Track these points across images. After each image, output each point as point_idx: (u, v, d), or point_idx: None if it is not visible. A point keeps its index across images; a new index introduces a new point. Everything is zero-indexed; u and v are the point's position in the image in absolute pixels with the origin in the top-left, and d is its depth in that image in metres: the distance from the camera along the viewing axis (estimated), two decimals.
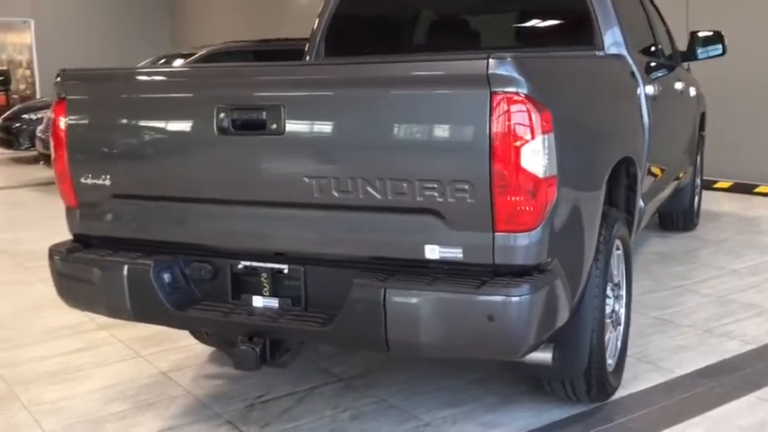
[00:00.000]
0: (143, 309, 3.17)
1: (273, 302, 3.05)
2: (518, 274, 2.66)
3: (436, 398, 3.73)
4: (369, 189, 2.75)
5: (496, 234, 2.62)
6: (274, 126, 2.83)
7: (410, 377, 3.95)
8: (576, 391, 3.41)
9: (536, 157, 2.58)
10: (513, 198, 2.58)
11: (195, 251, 3.17)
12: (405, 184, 2.69)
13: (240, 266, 3.07)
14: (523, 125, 2.55)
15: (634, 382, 3.84)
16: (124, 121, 3.20)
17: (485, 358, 3.13)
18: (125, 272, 3.14)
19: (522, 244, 2.63)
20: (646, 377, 3.92)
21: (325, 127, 2.85)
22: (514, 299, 2.57)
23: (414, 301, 2.66)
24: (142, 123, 3.16)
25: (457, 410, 3.60)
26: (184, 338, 4.49)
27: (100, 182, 3.24)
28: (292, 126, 2.83)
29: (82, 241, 3.38)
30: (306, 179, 2.83)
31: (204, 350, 4.42)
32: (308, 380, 3.97)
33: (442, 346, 2.70)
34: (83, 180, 3.27)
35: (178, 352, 4.44)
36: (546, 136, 2.60)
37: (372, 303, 2.71)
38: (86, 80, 3.32)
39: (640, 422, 3.47)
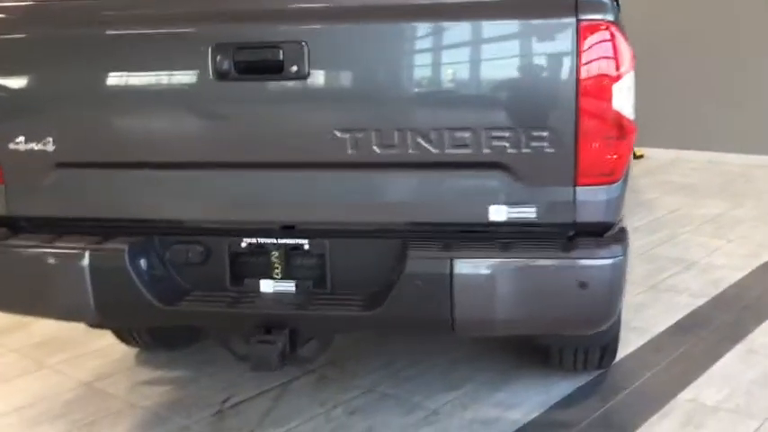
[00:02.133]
0: (115, 307, 2.50)
1: (288, 286, 2.50)
2: (597, 233, 2.32)
3: (427, 382, 3.35)
4: (421, 142, 2.29)
5: (578, 188, 2.27)
6: (295, 68, 2.28)
7: (386, 361, 3.53)
8: (589, 359, 3.16)
9: (626, 96, 2.25)
10: (599, 145, 2.23)
11: (178, 230, 2.54)
12: (468, 135, 2.26)
13: (243, 245, 2.49)
14: (615, 59, 2.21)
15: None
16: (77, 65, 2.49)
17: (562, 333, 2.76)
18: (86, 261, 2.45)
19: (606, 199, 2.30)
20: (627, 339, 3.73)
21: (364, 68, 2.34)
22: (608, 261, 2.23)
23: (489, 271, 2.25)
24: (103, 69, 2.46)
25: (458, 393, 3.24)
26: (93, 341, 3.79)
27: (38, 147, 2.51)
28: (319, 67, 2.29)
29: (8, 225, 2.62)
30: (337, 133, 2.31)
31: (126, 353, 3.73)
32: (272, 374, 3.41)
33: (520, 321, 2.31)
34: (12, 146, 2.52)
35: (93, 357, 3.72)
36: (633, 73, 2.27)
37: (436, 277, 2.27)
38: (12, 12, 2.55)
39: (652, 387, 3.28)
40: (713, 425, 2.94)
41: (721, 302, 4.25)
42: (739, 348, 3.63)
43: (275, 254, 2.50)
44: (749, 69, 7.48)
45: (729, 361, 3.51)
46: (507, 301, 2.27)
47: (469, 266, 2.27)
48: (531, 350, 3.48)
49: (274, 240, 2.49)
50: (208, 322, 2.58)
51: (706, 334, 3.83)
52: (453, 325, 2.31)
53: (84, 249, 2.47)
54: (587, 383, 3.31)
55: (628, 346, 3.67)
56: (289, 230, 2.50)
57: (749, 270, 4.75)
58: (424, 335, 3.29)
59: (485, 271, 2.27)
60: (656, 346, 3.71)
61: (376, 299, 2.37)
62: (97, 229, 2.55)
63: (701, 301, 4.25)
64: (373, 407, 3.15)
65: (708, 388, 3.24)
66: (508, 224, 2.33)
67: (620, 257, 2.25)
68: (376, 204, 2.41)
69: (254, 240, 2.50)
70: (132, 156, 2.48)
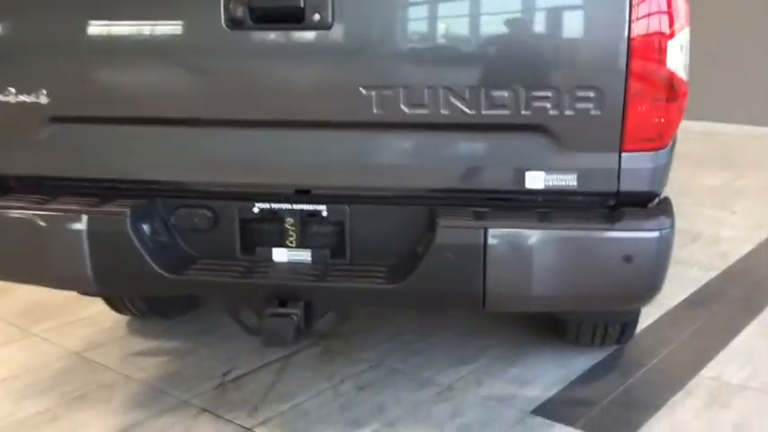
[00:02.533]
0: (115, 275, 2.30)
1: (304, 255, 2.32)
2: (640, 203, 2.15)
3: (437, 355, 3.19)
4: (454, 102, 2.10)
5: (624, 154, 2.09)
6: (317, 17, 2.08)
7: (392, 334, 3.37)
8: (608, 335, 3.02)
9: (680, 55, 2.07)
10: (649, 108, 2.05)
11: (184, 193, 2.34)
12: (506, 95, 2.07)
13: (255, 211, 2.29)
14: (669, 14, 2.03)
15: None
16: (74, 7, 2.26)
17: (599, 309, 2.60)
18: (84, 224, 2.25)
19: (652, 166, 2.14)
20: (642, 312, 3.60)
21: (393, 18, 2.14)
22: (656, 234, 2.06)
23: (526, 243, 2.08)
24: (104, 12, 2.24)
25: (470, 368, 3.09)
26: (82, 308, 3.60)
27: (30, 99, 2.28)
28: (344, 17, 2.09)
29: None
30: (362, 90, 2.11)
31: (117, 321, 3.54)
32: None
33: (557, 297, 2.15)
34: (1, 98, 2.30)
35: (82, 326, 3.52)
36: (688, 30, 2.09)
37: (469, 248, 2.09)
38: None
39: (672, 364, 3.15)
40: (740, 404, 2.81)
41: (731, 276, 4.14)
42: (756, 324, 3.50)
43: (290, 220, 2.31)
44: (748, 38, 7.32)
45: (748, 337, 3.39)
46: (544, 276, 2.10)
47: (505, 238, 2.10)
48: (544, 324, 3.34)
49: (289, 206, 2.30)
50: (217, 293, 2.39)
51: (719, 308, 3.72)
52: (484, 301, 2.14)
53: (81, 212, 2.27)
54: (605, 359, 3.18)
55: (643, 320, 3.52)
56: (304, 195, 2.30)
57: (756, 243, 4.64)
58: (448, 311, 3.11)
59: (522, 243, 2.09)
60: (671, 320, 3.58)
61: (400, 271, 2.20)
62: (95, 190, 2.34)
63: (711, 275, 4.14)
64: (382, 382, 2.99)
65: (730, 365, 3.11)
66: (546, 192, 2.16)
67: (668, 230, 2.09)
68: (402, 169, 2.23)
69: (266, 206, 2.31)
70: (134, 110, 2.26)
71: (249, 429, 2.66)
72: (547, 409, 2.78)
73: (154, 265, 2.24)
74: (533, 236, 2.09)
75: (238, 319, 2.37)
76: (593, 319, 2.94)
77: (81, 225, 2.26)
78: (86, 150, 2.33)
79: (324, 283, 2.22)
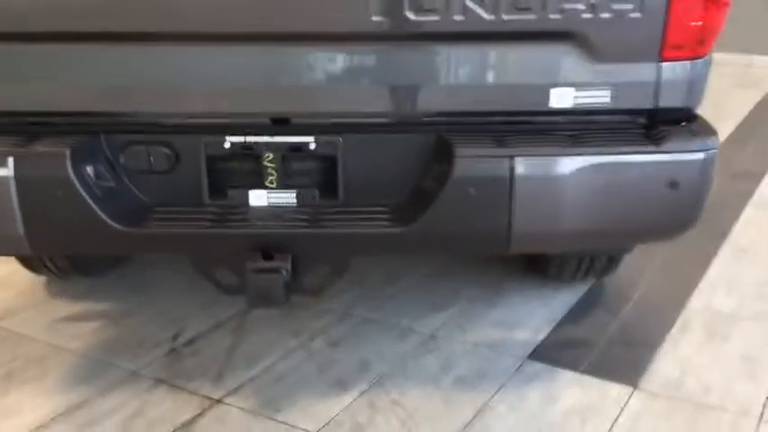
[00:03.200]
0: (54, 232, 1.87)
1: (287, 197, 1.95)
2: (675, 121, 1.89)
3: (409, 301, 2.90)
4: (470, 5, 1.75)
5: (664, 64, 1.81)
6: None
7: (354, 279, 3.03)
8: (593, 268, 2.79)
9: None
10: (691, 7, 1.77)
11: (135, 127, 1.90)
12: None
13: (226, 145, 1.89)
14: None
15: None
16: None
17: (636, 243, 2.33)
18: (10, 170, 1.80)
19: (692, 78, 1.87)
20: None
21: None
22: (702, 156, 1.81)
23: (559, 171, 1.78)
24: None
25: (449, 313, 2.82)
26: None
27: None
28: None
29: None
30: None
31: (34, 283, 3.06)
32: (221, 302, 2.86)
33: (592, 233, 1.88)
34: None
35: None
36: None
37: (493, 181, 1.78)
38: None
39: (657, 296, 2.98)
40: (739, 335, 2.65)
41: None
42: (727, 248, 3.37)
43: (269, 156, 1.92)
44: None
45: (723, 263, 3.24)
46: (578, 210, 1.82)
47: (535, 166, 1.79)
48: (516, 260, 3.09)
49: (269, 139, 1.90)
50: (184, 248, 1.98)
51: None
52: (509, 241, 1.84)
53: (5, 154, 1.80)
54: (587, 294, 2.97)
55: None
56: (284, 126, 1.91)
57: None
58: (463, 254, 2.79)
59: (554, 171, 1.80)
60: (640, 249, 3.39)
61: (407, 212, 1.86)
62: (21, 127, 1.87)
63: None
64: (357, 335, 2.67)
65: (715, 294, 2.95)
66: (573, 112, 1.86)
67: (714, 150, 1.83)
68: (407, 89, 1.87)
69: (240, 139, 1.90)
70: (66, 22, 1.79)
71: (218, 401, 2.30)
72: (543, 354, 2.55)
73: (104, 216, 1.82)
74: (567, 163, 1.79)
75: (212, 277, 1.98)
76: (579, 253, 2.70)
77: (6, 171, 1.79)
78: (8, 75, 1.84)
79: (315, 230, 1.86)
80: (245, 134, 1.90)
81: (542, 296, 2.93)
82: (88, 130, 1.89)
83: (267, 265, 1.87)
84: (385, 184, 1.93)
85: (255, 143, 1.91)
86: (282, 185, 1.94)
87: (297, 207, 1.94)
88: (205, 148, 1.91)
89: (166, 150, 1.91)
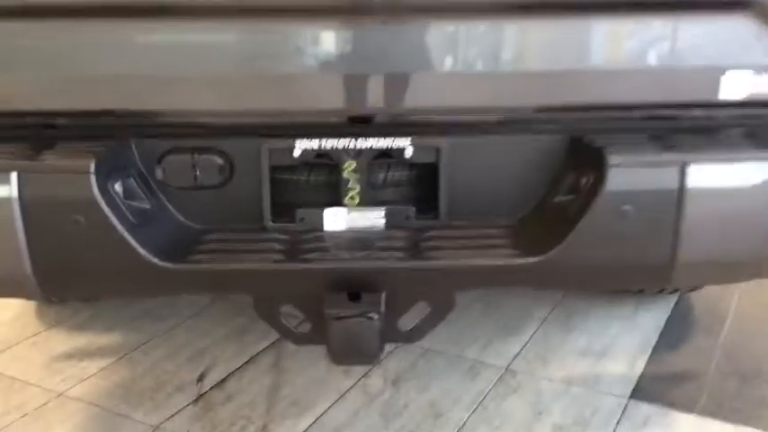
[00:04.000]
0: (72, 270, 1.40)
1: (373, 217, 1.49)
2: None
3: (474, 327, 2.48)
4: None
5: None
6: None
7: None
8: None
9: None
10: None
11: (174, 130, 1.44)
12: None
13: (296, 152, 1.44)
14: None
15: None
16: None
17: None
18: (13, 189, 1.32)
19: None
20: None
21: None
22: None
23: (741, 182, 1.36)
24: None
25: (521, 340, 2.40)
26: None
27: None
28: None
29: None
30: None
31: (24, 308, 2.59)
32: (251, 330, 2.42)
33: None
34: None
35: None
36: None
37: (657, 197, 1.35)
38: None
39: (761, 308, 2.57)
40: None
41: None
42: None
43: (350, 165, 1.47)
44: None
45: None
46: (762, 230, 1.39)
47: (712, 176, 1.36)
48: None
49: (350, 143, 1.45)
50: (242, 287, 1.52)
51: None
52: (671, 272, 1.41)
53: (6, 168, 1.33)
54: (675, 311, 2.57)
55: None
56: (362, 126, 1.47)
57: None
58: (607, 288, 2.36)
59: (734, 182, 1.37)
60: None
61: (538, 236, 1.42)
62: (28, 130, 1.40)
63: None
64: (417, 369, 2.25)
65: None
66: (748, 104, 1.42)
67: None
68: (532, 75, 1.42)
69: (313, 144, 1.45)
70: None
71: None
72: (648, 391, 2.14)
73: (140, 248, 1.36)
74: (753, 171, 1.36)
75: (279, 323, 1.52)
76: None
77: (7, 190, 1.33)
78: (9, 63, 1.37)
79: (417, 262, 1.41)
80: (321, 137, 1.45)
81: (625, 316, 2.52)
82: (115, 136, 1.43)
83: (355, 309, 1.42)
84: (498, 199, 1.50)
85: (333, 149, 1.46)
86: (367, 202, 1.50)
87: (386, 230, 1.50)
88: (269, 156, 1.45)
89: (217, 159, 1.46)
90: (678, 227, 1.37)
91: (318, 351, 2.23)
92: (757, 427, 1.97)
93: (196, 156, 1.45)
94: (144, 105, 1.43)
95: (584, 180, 1.41)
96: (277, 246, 1.46)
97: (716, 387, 2.15)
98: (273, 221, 1.50)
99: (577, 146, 1.44)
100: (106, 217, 1.34)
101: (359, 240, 1.48)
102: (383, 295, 1.45)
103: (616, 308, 2.55)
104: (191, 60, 1.40)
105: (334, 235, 1.49)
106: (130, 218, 1.39)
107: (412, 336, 1.53)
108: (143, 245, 1.37)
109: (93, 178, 1.33)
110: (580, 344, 2.37)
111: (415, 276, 1.44)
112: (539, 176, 1.49)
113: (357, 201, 1.51)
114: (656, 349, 2.34)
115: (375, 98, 1.44)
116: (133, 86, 1.40)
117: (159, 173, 1.46)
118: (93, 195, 1.33)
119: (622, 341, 2.38)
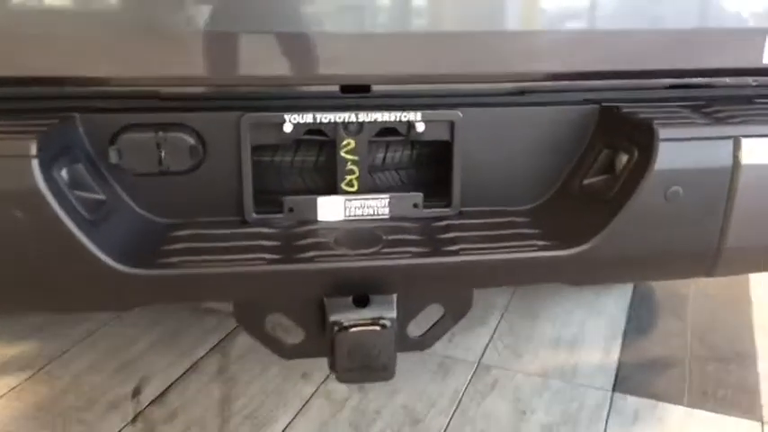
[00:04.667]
0: (10, 281, 1.09)
1: (376, 205, 1.26)
2: None
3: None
4: None
5: None
6: None
7: None
8: None
9: None
10: None
11: (126, 101, 1.16)
12: None
13: (286, 127, 1.19)
14: None
15: None
16: None
17: None
18: None
19: None
20: None
21: None
22: None
23: None
24: None
25: (488, 331, 2.22)
26: None
27: None
28: None
29: None
30: None
31: None
32: (187, 331, 2.16)
33: None
34: None
35: None
36: None
37: (709, 176, 1.18)
38: None
39: (721, 286, 2.51)
40: None
41: None
42: None
43: (348, 144, 1.23)
44: None
45: None
46: None
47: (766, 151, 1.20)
48: None
49: (349, 116, 1.20)
50: (223, 294, 1.25)
51: None
52: (717, 260, 1.25)
53: None
54: (635, 293, 2.46)
55: None
56: (362, 96, 1.23)
57: None
58: (643, 280, 2.17)
59: None
60: None
61: (570, 224, 1.23)
62: None
63: None
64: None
65: None
66: None
67: None
68: (555, 38, 1.22)
69: (305, 117, 1.20)
70: None
71: None
72: (631, 383, 2.01)
73: (96, 250, 1.07)
74: None
75: (267, 336, 1.26)
76: None
77: None
78: None
79: (433, 259, 1.18)
80: (314, 110, 1.20)
81: (587, 301, 2.39)
82: (55, 109, 1.12)
83: (364, 315, 1.18)
84: (517, 182, 1.30)
85: (330, 124, 1.21)
86: (368, 188, 1.26)
87: (391, 221, 1.26)
88: (250, 132, 1.19)
89: (187, 138, 1.18)
90: (729, 209, 1.21)
91: (270, 354, 1.99)
92: (745, 417, 1.87)
93: (160, 134, 1.16)
94: (89, 70, 1.13)
95: (623, 158, 1.22)
96: (264, 242, 1.19)
97: (696, 374, 2.04)
98: (257, 213, 1.24)
99: (611, 118, 1.25)
100: (53, 211, 1.04)
101: (361, 234, 1.24)
102: (395, 298, 1.21)
103: (576, 292, 2.42)
104: (146, 7, 1.12)
105: (330, 227, 1.25)
106: (83, 212, 1.09)
107: (423, 343, 1.31)
108: (100, 246, 1.08)
109: (34, 163, 1.03)
110: (548, 333, 2.22)
111: (432, 275, 1.21)
112: (564, 154, 1.29)
113: (356, 187, 1.26)
114: (626, 335, 2.22)
115: (378, 61, 1.20)
116: (72, 43, 1.10)
117: (114, 156, 1.16)
118: (35, 184, 1.03)
119: (590, 328, 2.25)
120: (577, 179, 1.29)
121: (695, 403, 1.92)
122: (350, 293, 1.20)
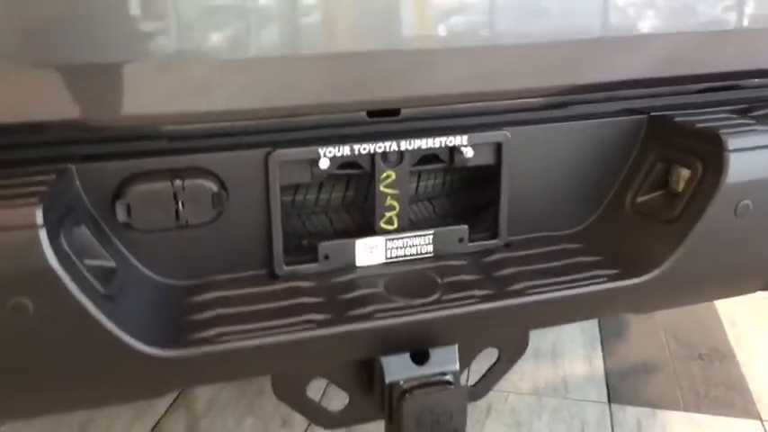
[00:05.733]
0: (19, 383, 0.87)
1: (419, 243, 1.11)
2: None
3: None
4: None
5: None
6: None
7: None
8: None
9: None
10: None
11: (135, 145, 0.96)
12: None
13: (322, 163, 1.02)
14: None
15: None
16: None
17: None
18: None
19: None
20: None
21: None
22: None
23: None
24: None
25: None
26: None
27: None
28: None
29: None
30: None
31: None
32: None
33: None
34: None
35: None
36: None
37: None
38: None
39: None
40: None
41: None
42: None
43: (389, 176, 1.07)
44: None
45: None
46: None
47: None
48: None
49: (391, 144, 1.05)
50: (264, 368, 1.04)
51: None
52: None
53: None
54: None
55: None
56: (387, 120, 1.08)
57: None
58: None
59: None
60: None
61: (629, 246, 1.12)
62: None
63: None
64: None
65: None
66: None
67: None
68: (610, 45, 1.11)
69: (342, 150, 1.03)
70: None
71: None
72: (624, 393, 1.94)
73: (121, 334, 0.87)
74: None
75: (310, 406, 1.08)
76: None
77: None
78: None
79: (501, 302, 1.05)
80: (352, 140, 1.03)
81: None
82: (46, 160, 0.91)
83: (426, 372, 1.03)
84: (563, 202, 1.17)
85: (367, 155, 1.05)
86: (408, 223, 1.10)
87: (436, 259, 1.12)
88: (279, 170, 1.01)
89: (208, 184, 0.98)
90: None
91: (242, 404, 1.80)
92: (745, 417, 1.85)
93: (177, 182, 0.96)
94: (88, 112, 0.92)
95: (682, 172, 1.13)
96: (305, 300, 1.02)
97: (684, 375, 2.00)
98: (288, 264, 1.05)
99: (663, 128, 1.15)
100: (69, 293, 0.83)
101: (412, 278, 1.08)
102: (456, 349, 1.07)
103: None
104: (157, 34, 0.92)
105: (374, 273, 1.08)
106: (99, 287, 0.88)
107: (478, 392, 1.17)
108: (124, 327, 0.88)
109: (42, 235, 0.81)
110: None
111: (497, 319, 1.07)
112: (611, 169, 1.19)
113: (395, 224, 1.10)
114: (604, 342, 2.15)
115: (423, 82, 1.04)
116: (68, 79, 0.89)
117: (121, 213, 0.95)
118: (46, 262, 0.81)
119: (566, 338, 2.17)
120: (628, 196, 1.18)
121: (692, 406, 1.88)
122: (408, 349, 1.04)
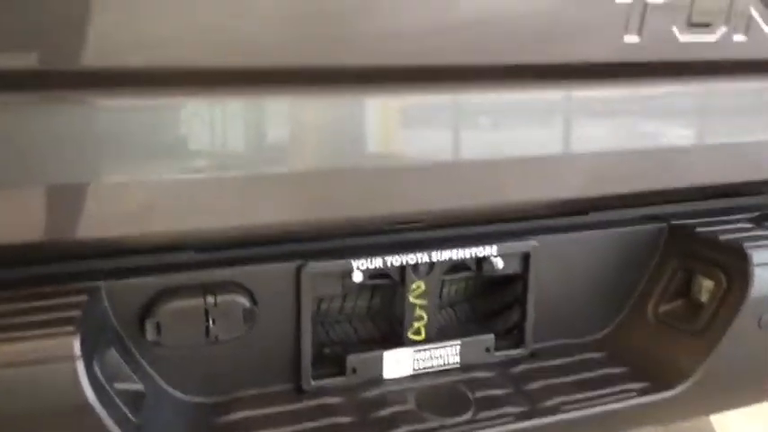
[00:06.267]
0: None
1: (446, 354, 1.09)
2: None
3: None
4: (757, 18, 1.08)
5: None
6: None
7: None
8: None
9: None
10: None
11: (164, 262, 0.92)
12: None
13: (355, 276, 0.99)
14: None
15: None
16: None
17: None
18: None
19: None
20: None
21: None
22: None
23: None
24: None
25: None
26: None
27: None
28: None
29: None
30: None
31: None
32: None
33: None
34: None
35: None
36: None
37: None
38: None
39: None
40: None
41: None
42: None
43: (418, 287, 1.05)
44: None
45: None
46: None
47: None
48: None
49: (422, 256, 1.03)
50: None
51: None
52: None
53: None
54: None
55: None
56: (410, 232, 1.06)
57: None
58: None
59: None
60: None
61: (656, 357, 1.12)
62: None
63: None
64: None
65: None
66: None
67: None
68: (634, 157, 1.12)
69: (375, 262, 1.01)
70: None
71: None
72: None
73: None
74: None
75: None
76: None
77: None
78: None
79: (536, 421, 1.03)
80: (385, 252, 1.01)
81: None
82: (74, 278, 0.86)
83: None
84: (586, 309, 1.17)
85: (399, 267, 1.03)
86: (436, 335, 1.08)
87: (462, 369, 1.10)
88: (311, 284, 0.98)
89: (240, 299, 0.94)
90: None
91: None
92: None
93: (209, 298, 0.92)
94: (117, 229, 0.88)
95: (705, 282, 1.13)
96: (338, 419, 0.98)
97: None
98: (315, 377, 1.02)
99: (684, 238, 1.16)
100: (105, 428, 0.78)
101: (443, 392, 1.06)
102: None
103: None
104: (182, 156, 0.88)
105: (403, 387, 1.06)
106: (131, 416, 0.83)
107: None
108: None
109: (80, 367, 0.76)
110: None
111: None
112: (632, 277, 1.19)
113: (423, 334, 1.08)
114: None
115: (456, 195, 1.03)
116: (107, 219, 0.85)
117: (151, 332, 0.91)
118: (83, 396, 0.76)
119: None
120: (650, 304, 1.19)
121: None
122: None
